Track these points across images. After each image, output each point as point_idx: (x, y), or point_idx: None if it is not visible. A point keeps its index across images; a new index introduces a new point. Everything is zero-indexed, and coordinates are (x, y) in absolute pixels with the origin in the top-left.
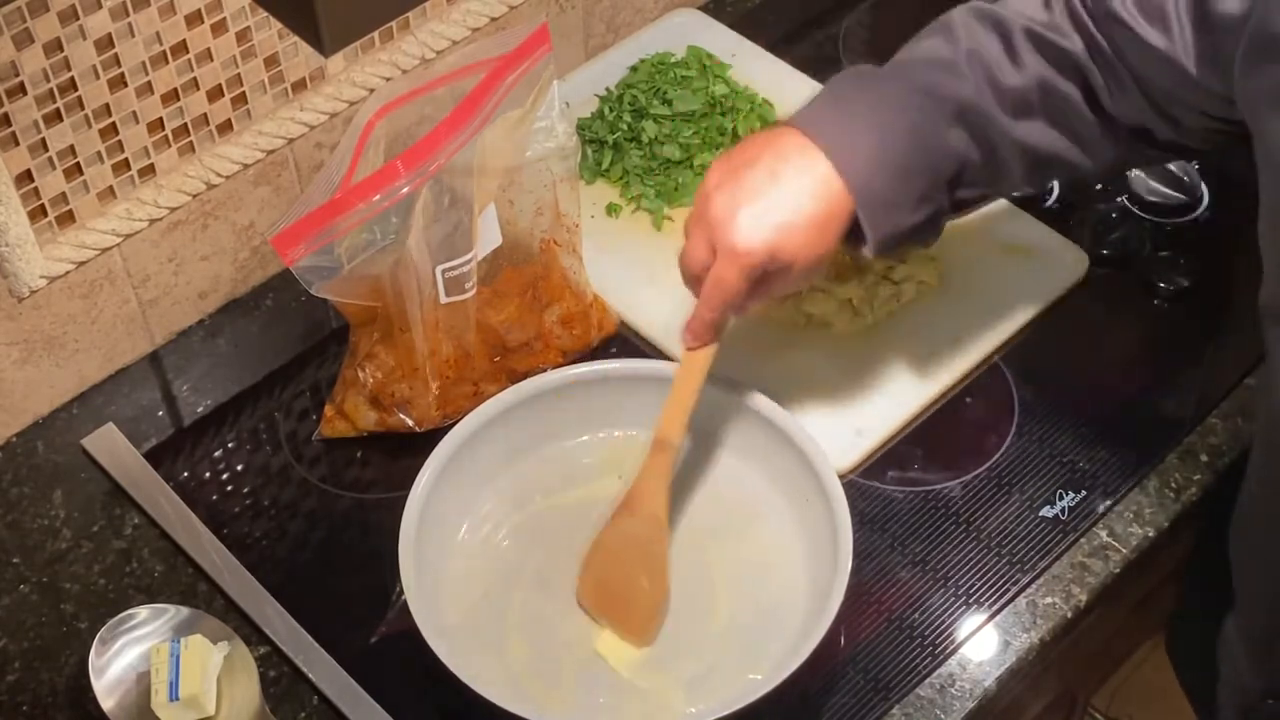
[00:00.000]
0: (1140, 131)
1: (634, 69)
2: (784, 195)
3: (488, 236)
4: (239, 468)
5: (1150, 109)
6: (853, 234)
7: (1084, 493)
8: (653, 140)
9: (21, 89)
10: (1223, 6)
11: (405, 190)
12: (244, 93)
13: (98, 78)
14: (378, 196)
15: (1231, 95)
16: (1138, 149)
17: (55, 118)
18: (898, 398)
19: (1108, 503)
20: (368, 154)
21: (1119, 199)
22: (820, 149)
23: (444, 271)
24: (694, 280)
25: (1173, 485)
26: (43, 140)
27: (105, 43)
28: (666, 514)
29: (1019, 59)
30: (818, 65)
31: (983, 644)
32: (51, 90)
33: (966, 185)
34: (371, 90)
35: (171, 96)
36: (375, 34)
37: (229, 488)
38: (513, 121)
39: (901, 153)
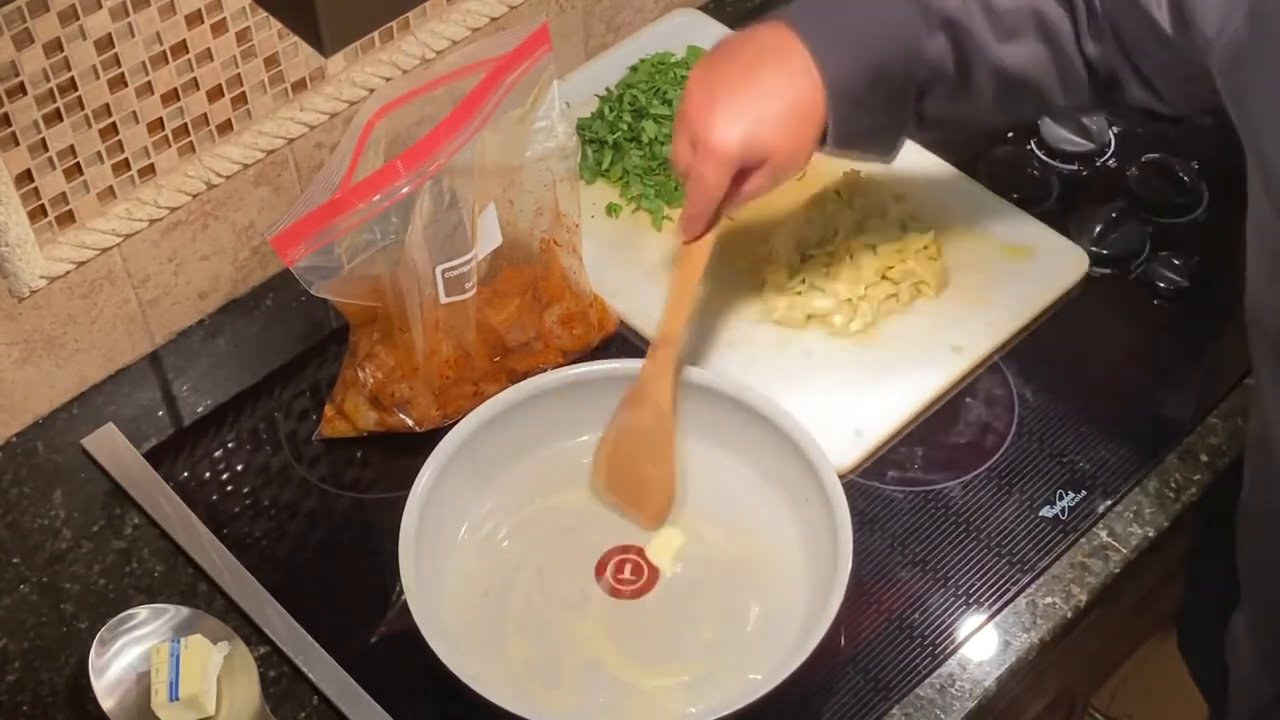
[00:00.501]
0: (1112, 82)
1: (634, 69)
2: (760, 89)
3: (488, 236)
4: (239, 468)
5: (1124, 60)
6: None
7: (1084, 493)
8: (653, 140)
9: (21, 89)
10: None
11: (405, 190)
12: (244, 93)
13: (98, 78)
14: (378, 196)
15: (1205, 64)
16: (1110, 99)
17: (55, 118)
18: (898, 398)
19: (1108, 503)
20: (368, 154)
21: (1119, 199)
22: (801, 41)
23: (444, 271)
24: (682, 177)
25: (1173, 485)
26: (43, 140)
27: (105, 43)
28: (671, 406)
29: None
30: None
31: (983, 644)
32: (51, 90)
33: (934, 98)
34: (371, 90)
35: (171, 96)
36: (375, 34)
37: (229, 488)
38: (513, 121)
39: (879, 52)
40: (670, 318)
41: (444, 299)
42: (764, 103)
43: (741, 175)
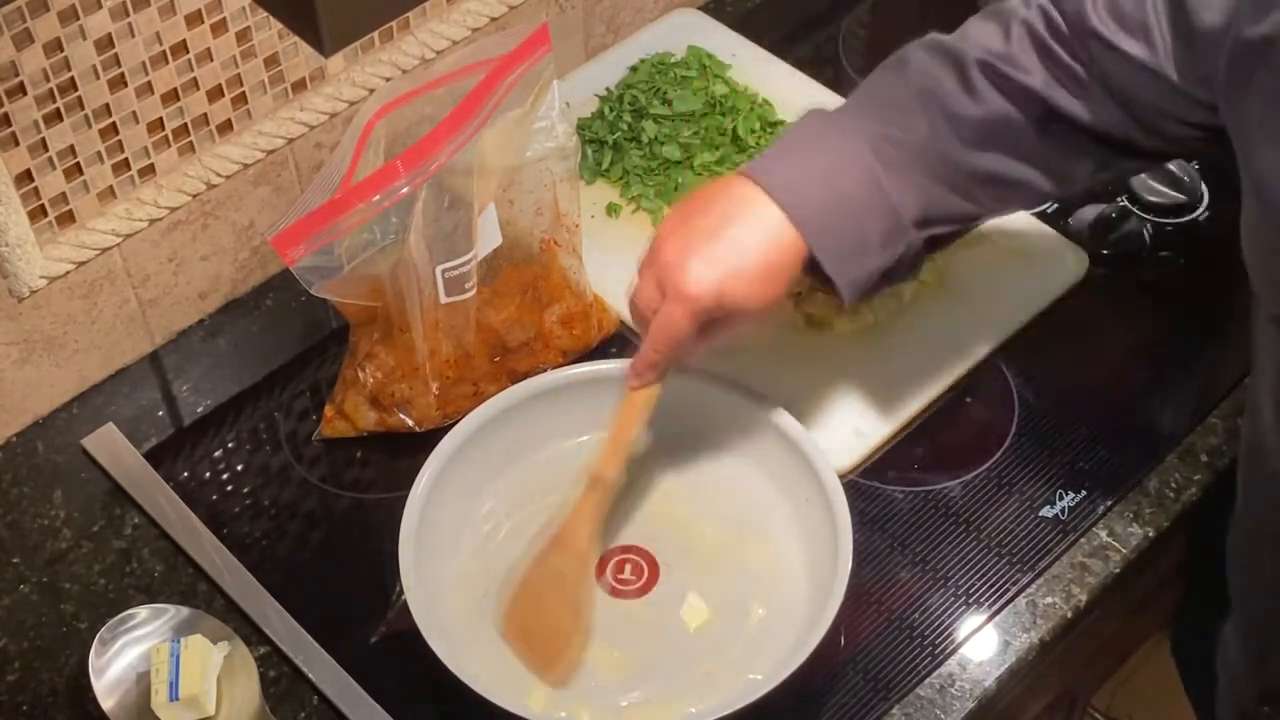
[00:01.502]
0: (1123, 144)
1: (634, 69)
2: (734, 242)
3: (488, 236)
4: (239, 468)
5: (1132, 122)
6: (828, 279)
7: (1084, 493)
8: (653, 140)
9: (21, 89)
10: (1204, 18)
11: (405, 190)
12: (244, 93)
13: (98, 78)
14: (378, 196)
15: (1216, 103)
16: (1117, 163)
17: (55, 118)
18: (898, 398)
19: (1108, 503)
20: (368, 154)
21: (1119, 199)
22: (772, 199)
23: (444, 271)
24: (643, 321)
25: (1173, 485)
26: (43, 140)
27: (105, 43)
28: (595, 553)
29: (975, 92)
30: (818, 65)
31: (983, 644)
32: (51, 90)
33: (935, 223)
34: (371, 90)
35: (171, 96)
36: (375, 34)
37: (229, 488)
38: (513, 121)
39: (856, 199)
40: (604, 459)
41: (444, 299)
42: (738, 256)
43: (706, 326)
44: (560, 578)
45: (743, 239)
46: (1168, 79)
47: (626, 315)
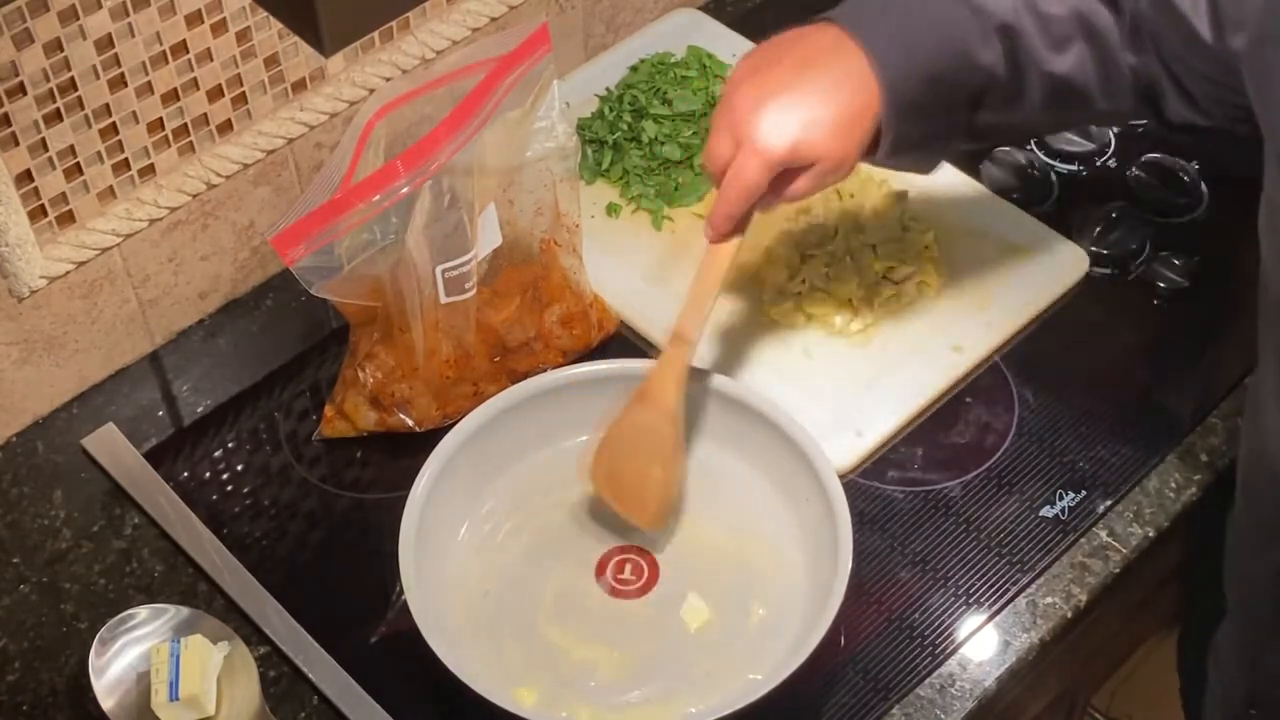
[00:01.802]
0: (1152, 93)
1: (634, 69)
2: (813, 90)
3: (488, 236)
4: (239, 468)
5: (1163, 69)
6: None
7: (1084, 493)
8: (653, 140)
9: (21, 89)
10: None
11: (405, 190)
12: (244, 93)
13: (98, 78)
14: (378, 196)
15: (1240, 69)
16: (1151, 112)
17: (55, 118)
18: (898, 398)
19: (1108, 503)
20: (368, 154)
21: (1119, 199)
22: (858, 45)
23: (444, 271)
24: (717, 174)
25: (1173, 485)
26: (43, 140)
27: (105, 43)
28: (680, 406)
29: None
30: None
31: (983, 644)
32: (51, 90)
33: (988, 107)
34: (371, 90)
35: (171, 96)
36: (375, 34)
37: (229, 488)
38: (513, 121)
39: (935, 59)
40: (686, 317)
41: (444, 299)
42: (816, 104)
43: (782, 177)
44: (648, 431)
45: (822, 86)
46: (1195, 30)
47: (626, 315)
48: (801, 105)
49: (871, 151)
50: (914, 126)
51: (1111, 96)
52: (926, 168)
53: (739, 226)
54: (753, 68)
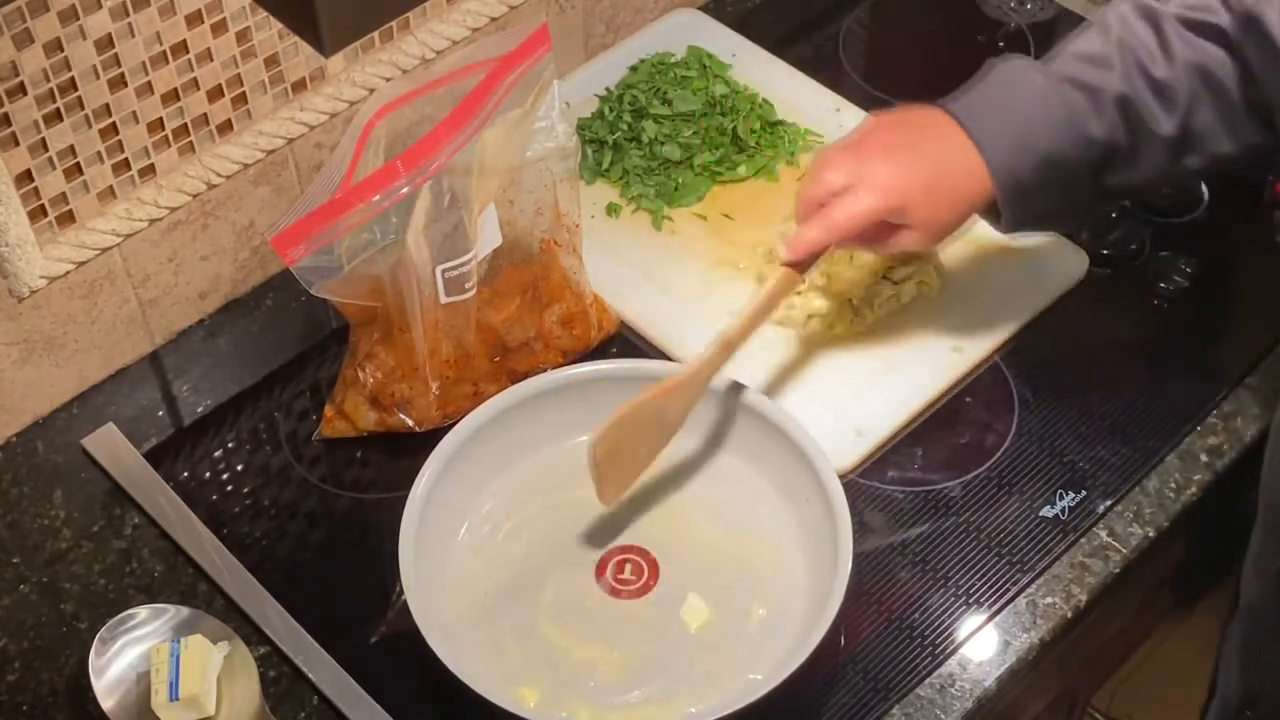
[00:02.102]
0: (1271, 121)
1: (634, 69)
2: (932, 161)
3: (488, 236)
4: (239, 468)
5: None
6: (994, 209)
7: (1084, 493)
8: (653, 140)
9: (21, 89)
10: None
11: (405, 190)
12: (244, 93)
13: (98, 78)
14: (378, 196)
15: None
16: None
17: (55, 118)
18: (898, 398)
19: (1108, 503)
20: (368, 154)
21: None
22: (967, 134)
23: (444, 271)
24: (812, 204)
25: (1173, 485)
26: (43, 140)
27: (105, 43)
28: (690, 406)
29: (1169, 47)
30: (818, 65)
31: (983, 644)
32: (51, 90)
33: (1113, 172)
34: (371, 90)
35: (171, 96)
36: (375, 34)
37: (229, 488)
38: (513, 121)
39: (1046, 141)
40: (740, 326)
41: (444, 299)
42: (933, 173)
43: (878, 228)
44: (660, 417)
45: (940, 161)
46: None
47: (626, 315)
48: (922, 168)
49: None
50: (1033, 203)
51: (1237, 135)
52: (1069, 230)
53: (811, 259)
54: (885, 125)
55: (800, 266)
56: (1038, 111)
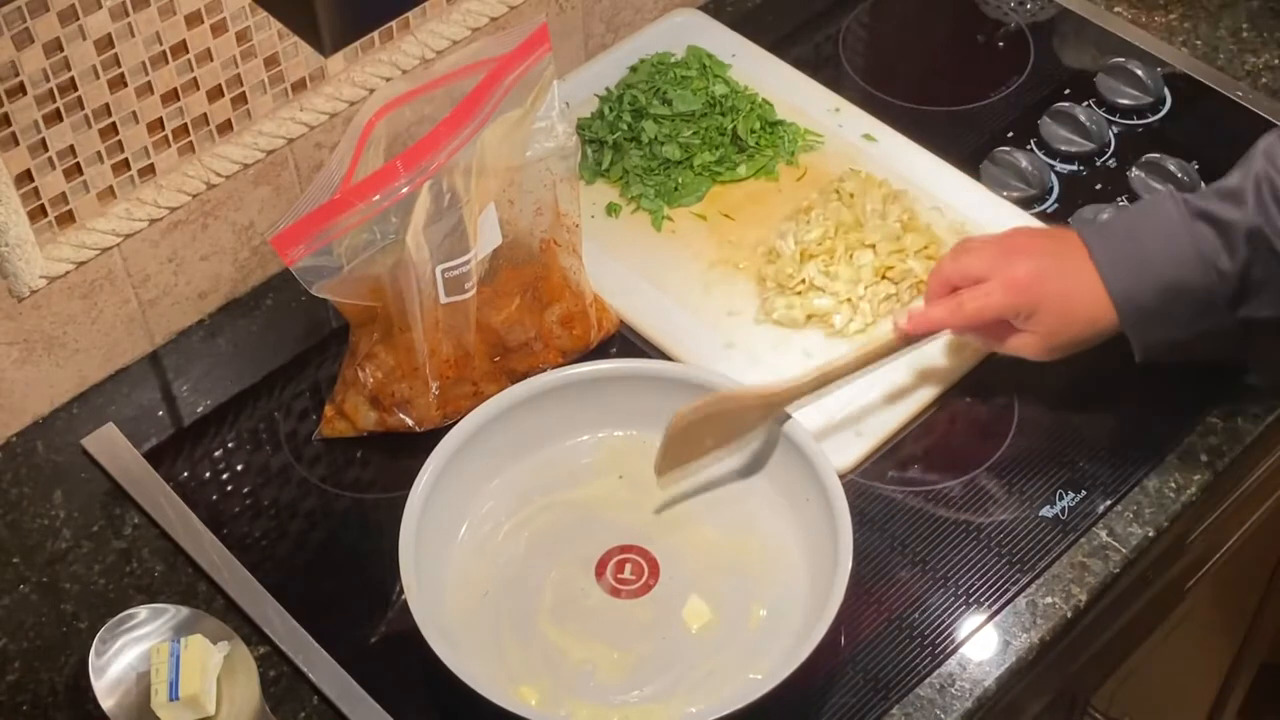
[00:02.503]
0: None
1: (634, 69)
2: (1067, 275)
3: (488, 236)
4: (239, 468)
5: None
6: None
7: (1084, 493)
8: (653, 140)
9: (21, 89)
10: None
11: (405, 190)
12: (244, 93)
13: (98, 78)
14: (378, 196)
15: None
16: None
17: (55, 118)
18: (898, 398)
19: (1108, 503)
20: (367, 154)
21: (1119, 199)
22: (1092, 258)
23: (444, 271)
24: (945, 285)
25: (1173, 485)
26: (43, 140)
27: (105, 43)
28: (763, 421)
29: None
30: (818, 65)
31: (983, 644)
32: (51, 90)
33: (1251, 304)
34: (371, 90)
35: (171, 96)
36: (375, 34)
37: (229, 488)
38: (513, 121)
39: (1168, 269)
40: (841, 365)
41: (444, 299)
42: (1066, 286)
43: (1000, 324)
44: (740, 420)
45: (1073, 277)
46: None
47: (626, 315)
48: (1059, 280)
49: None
50: (1161, 331)
51: None
52: (1223, 360)
53: (922, 336)
54: (1027, 230)
55: (913, 339)
56: (1162, 242)
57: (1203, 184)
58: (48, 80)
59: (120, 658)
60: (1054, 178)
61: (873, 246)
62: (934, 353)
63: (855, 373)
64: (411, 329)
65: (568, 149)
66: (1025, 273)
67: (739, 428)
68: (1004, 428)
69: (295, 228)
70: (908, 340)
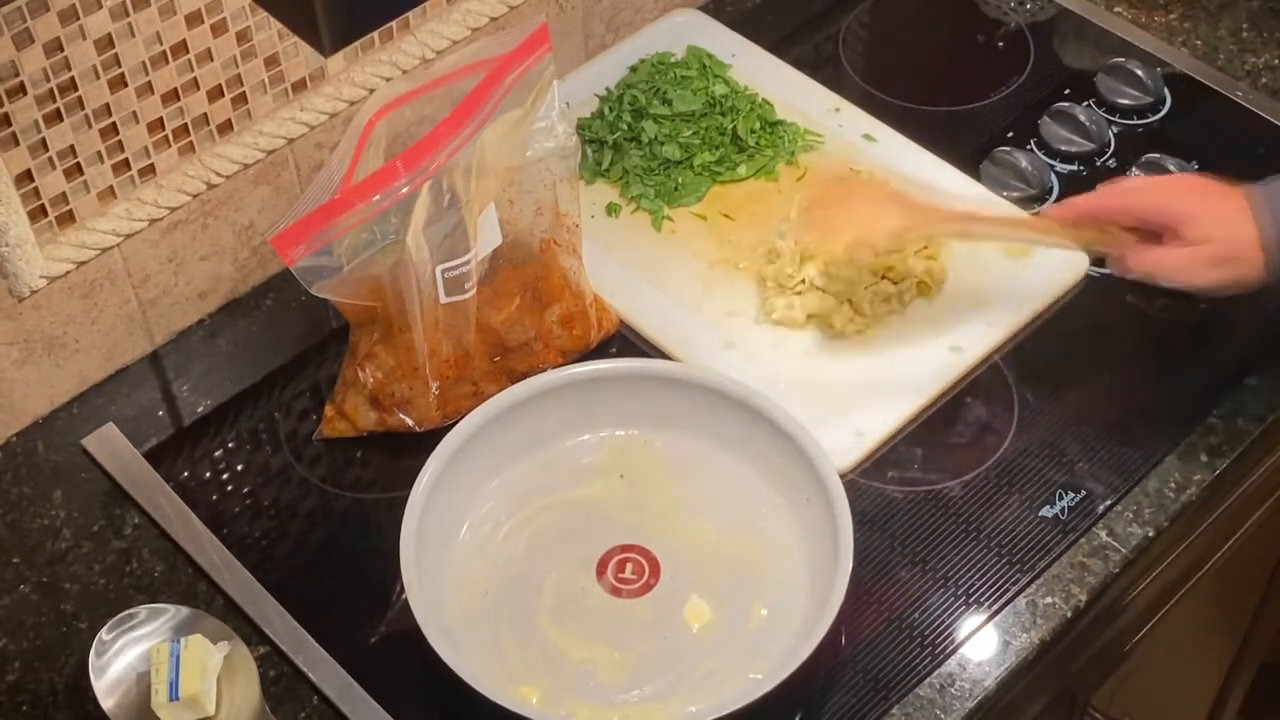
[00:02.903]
0: None
1: (634, 69)
2: (1225, 199)
3: (488, 236)
4: (239, 468)
5: None
6: None
7: (1084, 493)
8: (653, 140)
9: (21, 89)
10: None
11: (405, 190)
12: (244, 93)
13: (98, 78)
14: (378, 196)
15: None
16: None
17: (55, 118)
18: (898, 398)
19: (1108, 503)
20: (368, 154)
21: None
22: (1250, 207)
23: (444, 271)
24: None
25: (1173, 485)
26: (43, 140)
27: (105, 43)
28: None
29: None
30: (818, 65)
31: (983, 644)
32: (51, 90)
33: None
34: (371, 90)
35: (171, 96)
36: (375, 34)
37: (229, 488)
38: (513, 121)
39: None
40: (983, 216)
41: (444, 299)
42: (1222, 216)
43: (1146, 235)
44: (895, 204)
45: (1230, 217)
46: None
47: (626, 315)
48: (1222, 203)
49: None
50: None
51: None
52: None
53: (1067, 224)
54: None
55: (1064, 220)
56: None
57: None
58: (48, 80)
59: (120, 658)
60: (1054, 178)
61: (873, 247)
62: (934, 352)
63: (991, 231)
64: (411, 329)
65: (568, 149)
66: (1190, 183)
67: (889, 214)
68: (1004, 428)
69: (295, 228)
70: (1050, 223)
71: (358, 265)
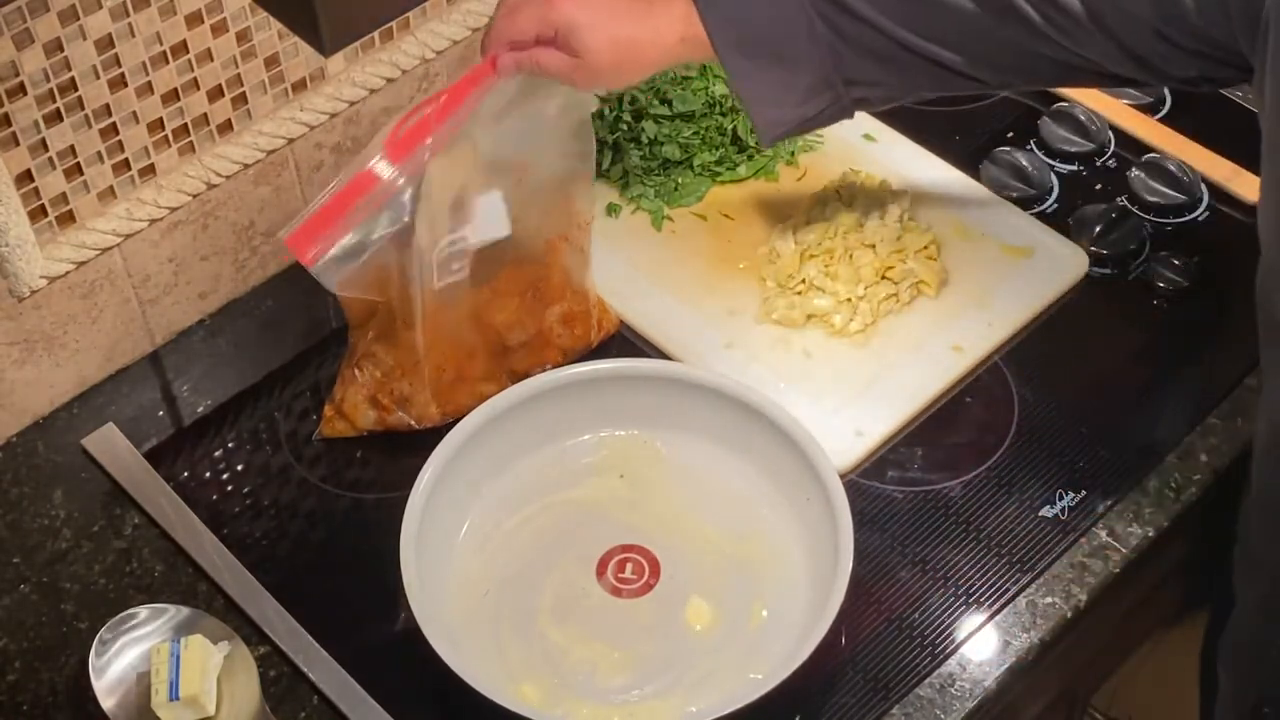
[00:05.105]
0: (1090, 67)
1: None
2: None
3: (489, 222)
4: (239, 468)
5: (1117, 50)
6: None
7: (1084, 493)
8: (652, 140)
9: (21, 89)
10: None
11: (403, 179)
12: (244, 93)
13: (98, 78)
14: (379, 188)
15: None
16: (1063, 79)
17: (55, 118)
18: (898, 398)
19: (1108, 503)
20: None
21: (1119, 199)
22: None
23: (436, 253)
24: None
25: (1173, 485)
26: (43, 140)
27: (105, 43)
28: None
29: None
30: None
31: (983, 644)
32: (51, 90)
33: (855, 82)
34: (372, 90)
35: (171, 96)
36: (375, 34)
37: (229, 488)
38: (525, 117)
39: (788, 49)
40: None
41: (437, 283)
42: (620, 13)
43: (547, 44)
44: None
45: (646, 15)
46: (1182, 10)
47: (626, 315)
48: (611, 10)
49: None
50: (784, 112)
51: (965, 51)
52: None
53: (489, 52)
54: None
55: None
56: (779, 19)
57: (1202, 185)
58: (48, 80)
59: (120, 658)
60: (1054, 178)
61: (873, 246)
62: (934, 352)
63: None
64: (413, 319)
65: (587, 149)
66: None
67: None
68: (1004, 428)
69: (308, 226)
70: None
71: (370, 256)
